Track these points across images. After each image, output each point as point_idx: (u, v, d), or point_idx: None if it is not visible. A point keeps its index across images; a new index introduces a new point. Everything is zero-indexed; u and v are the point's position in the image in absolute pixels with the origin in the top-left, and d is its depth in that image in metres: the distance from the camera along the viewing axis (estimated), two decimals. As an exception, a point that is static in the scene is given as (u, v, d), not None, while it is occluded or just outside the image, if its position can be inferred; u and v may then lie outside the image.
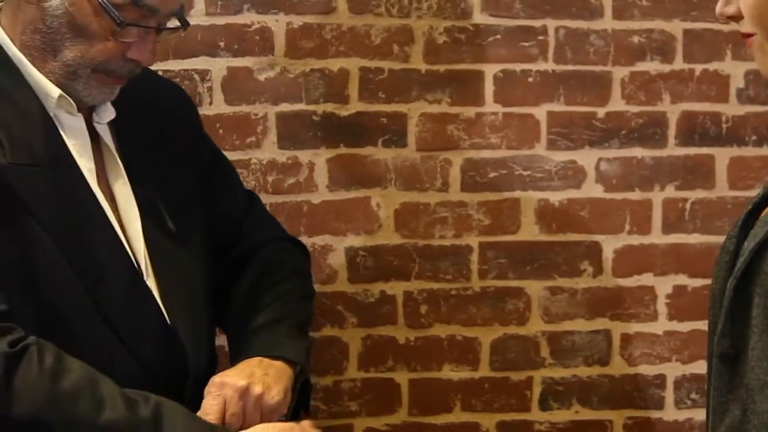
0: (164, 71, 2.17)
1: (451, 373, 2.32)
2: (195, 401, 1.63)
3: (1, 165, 1.52)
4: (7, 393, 1.45)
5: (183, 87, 2.14)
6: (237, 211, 1.87)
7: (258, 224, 1.90)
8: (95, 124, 1.67)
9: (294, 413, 1.70)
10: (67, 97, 1.61)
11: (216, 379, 1.64)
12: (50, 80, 1.60)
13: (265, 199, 2.18)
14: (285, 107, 2.24)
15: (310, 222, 2.27)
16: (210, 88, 2.22)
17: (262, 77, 2.23)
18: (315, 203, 2.27)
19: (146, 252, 1.65)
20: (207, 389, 1.64)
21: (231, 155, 2.18)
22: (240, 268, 1.83)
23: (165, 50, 2.17)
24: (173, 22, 1.65)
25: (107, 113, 1.68)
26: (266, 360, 1.68)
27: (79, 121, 1.63)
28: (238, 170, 2.14)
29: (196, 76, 2.22)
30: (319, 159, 2.26)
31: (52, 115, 1.61)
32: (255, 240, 1.86)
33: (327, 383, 2.29)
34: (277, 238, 1.90)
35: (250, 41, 2.23)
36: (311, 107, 2.25)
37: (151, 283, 1.64)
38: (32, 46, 1.59)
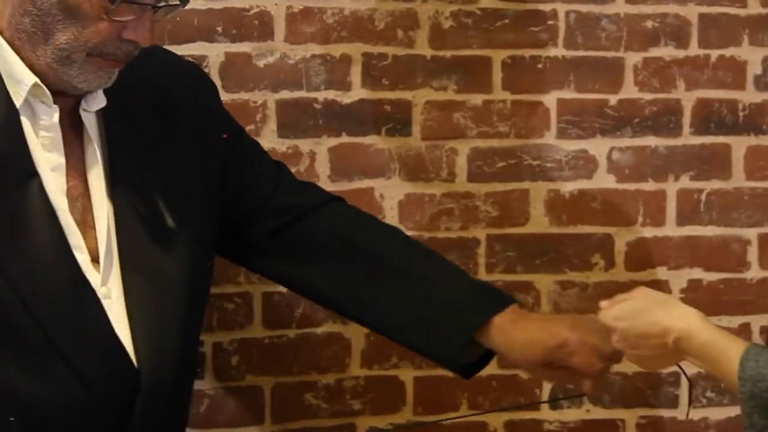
0: (159, 57, 2.13)
1: (457, 370, 2.29)
2: (150, 414, 1.58)
3: None
4: None
5: (179, 74, 2.14)
6: (271, 181, 1.86)
7: (301, 188, 1.90)
8: (81, 113, 1.61)
9: None
10: (42, 86, 1.54)
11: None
12: (41, 66, 1.53)
13: (265, 189, 2.17)
14: (285, 94, 2.20)
15: (311, 214, 2.22)
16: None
17: (261, 63, 2.19)
18: (316, 194, 2.22)
19: (117, 253, 1.58)
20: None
21: (229, 144, 2.17)
22: (303, 235, 1.82)
23: (160, 35, 2.11)
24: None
25: (97, 101, 1.61)
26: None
27: (53, 112, 1.56)
28: (237, 160, 2.16)
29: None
30: (320, 148, 2.22)
31: (18, 105, 1.54)
32: (305, 204, 1.86)
33: (329, 381, 2.25)
34: (332, 199, 1.91)
35: (248, 26, 2.18)
36: (312, 94, 2.21)
37: (115, 286, 1.58)
38: (22, 30, 1.53)
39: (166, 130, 1.69)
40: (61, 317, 1.52)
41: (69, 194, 1.57)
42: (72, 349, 1.53)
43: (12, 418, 1.49)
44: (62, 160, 1.57)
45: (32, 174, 1.54)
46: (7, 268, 1.49)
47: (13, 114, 1.53)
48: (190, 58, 2.15)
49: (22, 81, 1.53)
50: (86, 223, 1.58)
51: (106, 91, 1.62)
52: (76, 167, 1.59)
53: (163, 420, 1.61)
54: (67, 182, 1.57)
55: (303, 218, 1.84)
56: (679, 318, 1.54)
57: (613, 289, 2.27)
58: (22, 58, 1.54)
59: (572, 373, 1.74)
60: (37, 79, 1.53)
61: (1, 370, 1.49)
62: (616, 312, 1.61)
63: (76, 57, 1.53)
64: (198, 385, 2.13)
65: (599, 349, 1.70)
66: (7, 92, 1.54)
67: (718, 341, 1.50)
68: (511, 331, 1.76)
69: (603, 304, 1.66)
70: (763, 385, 1.39)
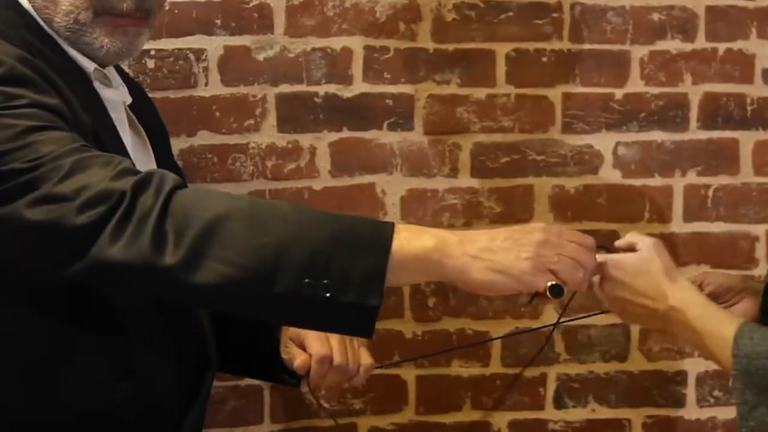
0: (157, 50, 2.12)
1: (460, 369, 2.27)
2: (207, 394, 1.66)
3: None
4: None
5: (177, 67, 2.14)
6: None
7: None
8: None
9: None
10: (101, 69, 1.56)
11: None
12: (63, 39, 1.54)
13: (264, 185, 2.16)
14: (285, 88, 2.18)
15: (311, 210, 2.20)
16: (206, 69, 2.15)
17: (260, 56, 2.17)
18: (317, 190, 2.20)
19: None
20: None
21: (228, 139, 2.16)
22: None
23: (158, 28, 2.09)
24: None
25: (125, 95, 1.64)
26: None
27: (115, 93, 1.60)
28: (236, 155, 2.16)
29: (191, 56, 2.15)
30: (321, 143, 2.20)
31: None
32: None
33: (329, 380, 2.22)
34: None
35: (248, 18, 2.16)
36: (313, 88, 2.18)
37: None
38: (35, 8, 1.53)
39: (158, 140, 1.73)
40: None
41: None
42: (171, 328, 1.57)
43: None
44: (128, 141, 1.59)
45: (127, 153, 1.56)
46: None
47: (97, 96, 1.55)
48: (188, 51, 2.15)
49: (87, 68, 1.55)
50: None
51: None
52: None
53: (206, 403, 1.67)
54: None
55: None
56: (680, 289, 1.53)
57: (618, 287, 2.26)
58: None
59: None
60: (95, 65, 1.55)
61: (125, 343, 1.51)
62: (621, 261, 1.59)
63: (83, 17, 1.53)
64: (196, 384, 2.12)
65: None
66: (88, 77, 1.55)
67: (713, 315, 1.50)
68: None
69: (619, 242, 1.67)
70: (759, 363, 1.40)
